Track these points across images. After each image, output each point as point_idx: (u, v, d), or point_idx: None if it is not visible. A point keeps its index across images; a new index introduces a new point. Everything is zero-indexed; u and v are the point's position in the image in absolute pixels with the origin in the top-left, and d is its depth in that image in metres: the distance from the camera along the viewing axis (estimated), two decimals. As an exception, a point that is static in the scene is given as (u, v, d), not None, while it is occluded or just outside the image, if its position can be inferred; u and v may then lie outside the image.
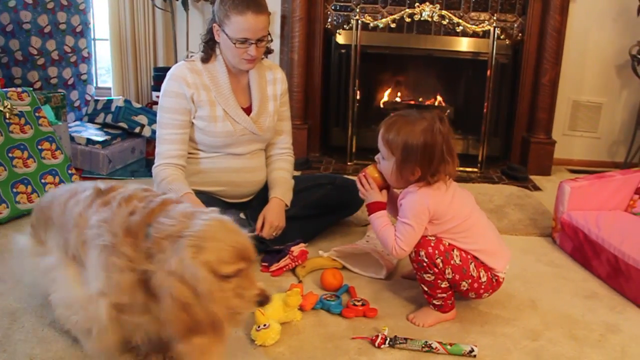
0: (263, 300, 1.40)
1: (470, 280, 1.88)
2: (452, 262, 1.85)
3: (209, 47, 2.31)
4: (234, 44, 2.18)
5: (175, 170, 2.25)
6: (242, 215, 2.37)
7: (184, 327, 1.29)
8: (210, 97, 2.28)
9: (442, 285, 1.88)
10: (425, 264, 1.84)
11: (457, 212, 1.89)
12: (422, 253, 1.84)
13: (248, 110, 2.36)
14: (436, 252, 1.84)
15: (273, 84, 2.45)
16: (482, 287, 1.91)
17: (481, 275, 1.89)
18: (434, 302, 1.91)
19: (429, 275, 1.86)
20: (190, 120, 2.29)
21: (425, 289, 1.91)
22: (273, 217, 2.29)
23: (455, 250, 1.86)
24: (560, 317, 2.00)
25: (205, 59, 2.30)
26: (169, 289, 1.28)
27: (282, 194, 2.37)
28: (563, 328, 1.93)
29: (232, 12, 2.15)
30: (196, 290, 1.29)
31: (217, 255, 1.31)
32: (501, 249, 1.96)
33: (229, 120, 2.30)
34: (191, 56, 2.35)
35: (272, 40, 2.34)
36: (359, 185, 2.01)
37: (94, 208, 1.47)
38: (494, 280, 1.92)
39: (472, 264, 1.88)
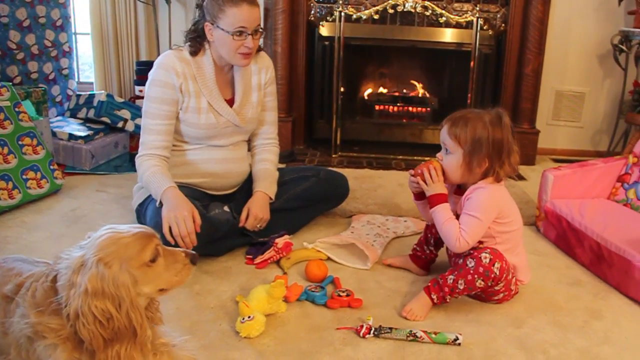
0: (192, 257, 1.42)
1: (507, 293, 1.96)
2: (507, 277, 1.90)
3: (198, 42, 2.28)
4: (232, 36, 2.16)
5: (158, 162, 2.22)
6: (226, 209, 2.36)
7: (105, 340, 1.24)
8: (196, 88, 2.27)
9: (473, 291, 1.91)
10: (489, 273, 1.84)
11: (517, 217, 1.97)
12: (497, 265, 1.85)
13: (231, 102, 2.35)
14: (505, 267, 1.87)
15: (258, 74, 2.43)
16: (509, 296, 1.99)
17: (512, 289, 1.98)
18: (446, 297, 1.89)
19: (480, 281, 1.85)
20: (176, 111, 2.27)
21: (453, 285, 1.87)
22: (257, 210, 2.29)
23: (511, 267, 1.92)
24: (544, 304, 2.02)
25: (194, 53, 2.28)
26: (88, 311, 1.22)
27: (266, 187, 2.37)
28: (547, 315, 1.95)
29: (226, 5, 2.15)
30: (118, 300, 1.25)
31: (128, 251, 1.28)
32: (527, 262, 2.05)
33: (212, 113, 2.29)
34: (179, 47, 2.32)
35: (264, 32, 2.34)
36: (424, 176, 1.98)
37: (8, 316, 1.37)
38: (517, 290, 2.01)
39: (514, 278, 1.96)
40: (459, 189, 2.01)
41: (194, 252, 1.44)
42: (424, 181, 1.98)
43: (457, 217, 1.97)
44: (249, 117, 2.39)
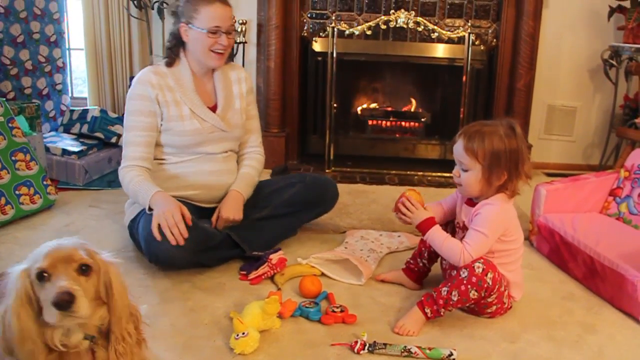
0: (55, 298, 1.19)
1: (499, 306, 1.95)
2: (500, 289, 1.90)
3: (173, 52, 2.38)
4: (207, 33, 2.26)
5: (141, 171, 2.27)
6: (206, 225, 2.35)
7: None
8: (175, 97, 2.33)
9: (467, 303, 1.90)
10: (482, 283, 1.84)
11: (520, 236, 1.98)
12: (490, 275, 1.85)
13: (214, 109, 2.42)
14: (497, 278, 1.87)
15: (238, 83, 2.51)
16: (502, 311, 1.99)
17: (505, 302, 1.97)
18: (440, 311, 1.88)
19: (473, 292, 1.85)
20: (156, 124, 2.32)
21: (447, 297, 1.87)
22: (227, 211, 2.33)
23: (504, 279, 1.92)
24: (538, 319, 2.02)
25: (169, 63, 2.38)
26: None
27: (240, 187, 2.42)
28: (541, 330, 1.95)
29: (200, 5, 2.27)
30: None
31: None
32: (522, 280, 2.06)
33: (196, 119, 2.34)
34: (155, 62, 2.41)
35: (237, 32, 2.42)
36: (402, 212, 2.02)
37: None
38: (510, 305, 2.02)
39: (506, 291, 1.95)
40: (470, 200, 2.00)
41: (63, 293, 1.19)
42: (405, 215, 2.01)
43: (466, 227, 1.98)
44: (234, 122, 2.45)
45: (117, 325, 1.28)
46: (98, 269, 1.28)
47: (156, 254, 2.11)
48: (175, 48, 2.38)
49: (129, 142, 2.31)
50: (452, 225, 2.13)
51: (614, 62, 3.79)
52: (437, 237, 1.95)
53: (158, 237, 2.06)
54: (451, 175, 3.63)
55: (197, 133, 2.34)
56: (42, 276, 1.21)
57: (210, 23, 2.26)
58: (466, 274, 1.85)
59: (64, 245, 1.26)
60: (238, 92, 2.50)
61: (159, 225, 2.07)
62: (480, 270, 1.84)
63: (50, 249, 1.25)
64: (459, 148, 1.92)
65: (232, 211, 2.33)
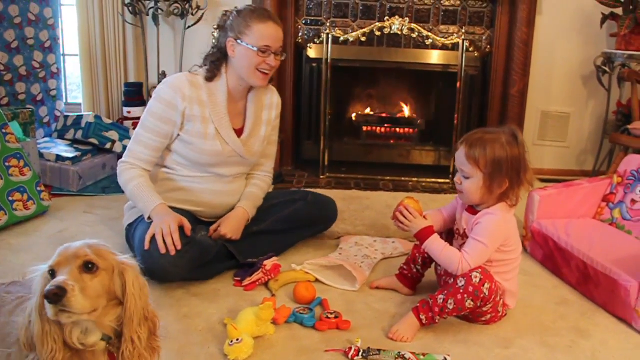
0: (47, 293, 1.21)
1: (494, 314, 1.96)
2: (496, 299, 1.91)
3: (216, 66, 2.30)
4: (256, 51, 2.20)
5: (142, 172, 2.26)
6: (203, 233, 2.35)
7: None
8: (203, 114, 2.27)
9: (462, 312, 1.90)
10: (478, 293, 1.84)
11: (518, 246, 1.99)
12: (487, 286, 1.85)
13: (240, 132, 2.37)
14: (494, 288, 1.87)
15: (269, 109, 2.47)
16: (497, 318, 1.99)
17: (500, 311, 1.97)
18: (435, 318, 1.88)
19: (469, 301, 1.85)
20: (172, 133, 2.28)
21: (443, 305, 1.87)
22: (227, 229, 2.31)
23: (500, 289, 1.93)
24: (532, 325, 2.03)
25: (210, 78, 2.30)
26: None
27: (248, 207, 2.40)
28: (535, 335, 1.95)
29: (254, 22, 2.21)
30: None
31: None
32: (517, 289, 2.06)
33: (219, 140, 2.30)
34: (195, 70, 2.34)
35: (286, 56, 2.37)
36: (400, 221, 2.02)
37: None
38: (504, 313, 2.02)
39: (502, 301, 1.95)
40: (471, 208, 2.00)
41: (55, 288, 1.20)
42: (403, 224, 2.01)
43: (465, 235, 1.98)
44: (254, 150, 2.41)
45: (128, 327, 1.29)
46: (111, 268, 1.29)
47: (151, 269, 2.03)
48: (219, 62, 2.30)
49: (140, 141, 2.27)
50: (450, 231, 2.14)
51: (607, 69, 3.81)
52: (436, 246, 1.95)
53: (146, 245, 2.05)
54: (445, 181, 3.66)
55: (215, 155, 2.30)
56: (52, 274, 1.25)
57: (261, 41, 2.20)
58: (463, 282, 1.85)
59: (73, 245, 1.29)
60: (267, 118, 2.46)
61: (154, 235, 2.07)
62: (478, 280, 1.84)
63: (62, 249, 1.28)
64: (460, 155, 1.92)
65: (232, 230, 2.32)
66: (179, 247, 2.05)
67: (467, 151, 1.90)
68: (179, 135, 2.29)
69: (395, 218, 2.05)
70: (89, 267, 1.25)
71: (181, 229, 2.11)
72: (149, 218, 2.17)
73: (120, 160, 2.30)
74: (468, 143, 1.91)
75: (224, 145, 2.31)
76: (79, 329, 1.26)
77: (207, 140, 2.28)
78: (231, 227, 2.32)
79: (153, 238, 2.07)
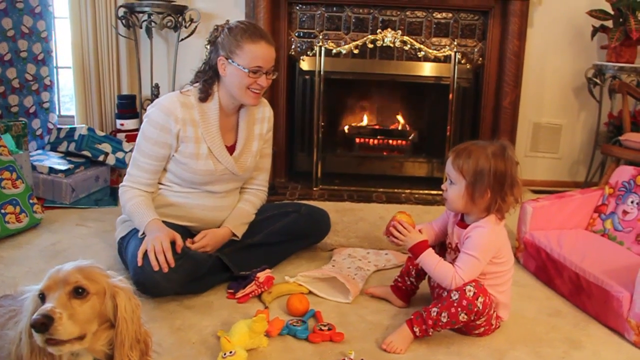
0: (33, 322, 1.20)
1: (487, 327, 1.96)
2: (489, 312, 1.91)
3: (209, 85, 2.28)
4: (247, 72, 2.17)
5: (141, 193, 2.26)
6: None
7: None
8: (196, 134, 2.26)
9: (456, 325, 1.90)
10: (472, 307, 1.84)
11: (510, 257, 2.00)
12: (481, 300, 1.85)
13: (232, 149, 2.36)
14: (488, 302, 1.88)
15: (261, 123, 2.46)
16: (490, 331, 1.99)
17: (493, 323, 1.98)
18: (429, 331, 1.89)
19: (463, 315, 1.85)
20: (168, 154, 2.28)
21: (436, 318, 1.87)
22: (208, 242, 2.30)
23: (493, 301, 1.93)
24: (524, 336, 2.03)
25: (203, 99, 2.27)
26: None
27: (235, 227, 2.39)
28: (528, 346, 1.96)
29: (245, 42, 2.17)
30: None
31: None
32: (510, 300, 2.06)
33: (211, 159, 2.29)
34: (186, 89, 2.31)
35: (277, 74, 2.35)
36: (394, 236, 2.03)
37: None
38: (498, 325, 2.02)
39: (495, 313, 1.96)
40: (462, 222, 2.02)
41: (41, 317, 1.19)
42: (398, 239, 2.02)
43: (457, 249, 1.99)
44: (247, 166, 2.41)
45: (119, 351, 1.28)
46: (103, 292, 1.29)
47: (143, 284, 2.04)
48: (211, 80, 2.28)
49: (138, 166, 2.27)
50: (443, 244, 2.15)
51: (598, 81, 3.85)
52: (430, 261, 1.96)
53: (140, 262, 2.04)
54: (439, 192, 3.66)
55: (208, 174, 2.30)
56: (42, 298, 1.24)
57: (253, 62, 2.17)
58: (457, 296, 1.85)
59: (64, 268, 1.28)
60: (259, 133, 2.45)
61: (146, 251, 2.06)
62: (472, 294, 1.85)
63: (52, 272, 1.27)
64: (448, 163, 1.98)
65: (211, 244, 2.31)
66: (172, 264, 2.04)
67: (453, 159, 1.95)
68: (173, 155, 2.29)
69: (389, 233, 2.06)
70: (79, 292, 1.25)
71: (173, 244, 2.10)
72: (143, 233, 2.16)
73: (120, 184, 2.32)
74: (455, 152, 1.97)
75: (217, 165, 2.31)
76: (69, 352, 1.26)
77: (199, 160, 2.28)
78: (211, 241, 2.31)
79: (146, 254, 2.06)
